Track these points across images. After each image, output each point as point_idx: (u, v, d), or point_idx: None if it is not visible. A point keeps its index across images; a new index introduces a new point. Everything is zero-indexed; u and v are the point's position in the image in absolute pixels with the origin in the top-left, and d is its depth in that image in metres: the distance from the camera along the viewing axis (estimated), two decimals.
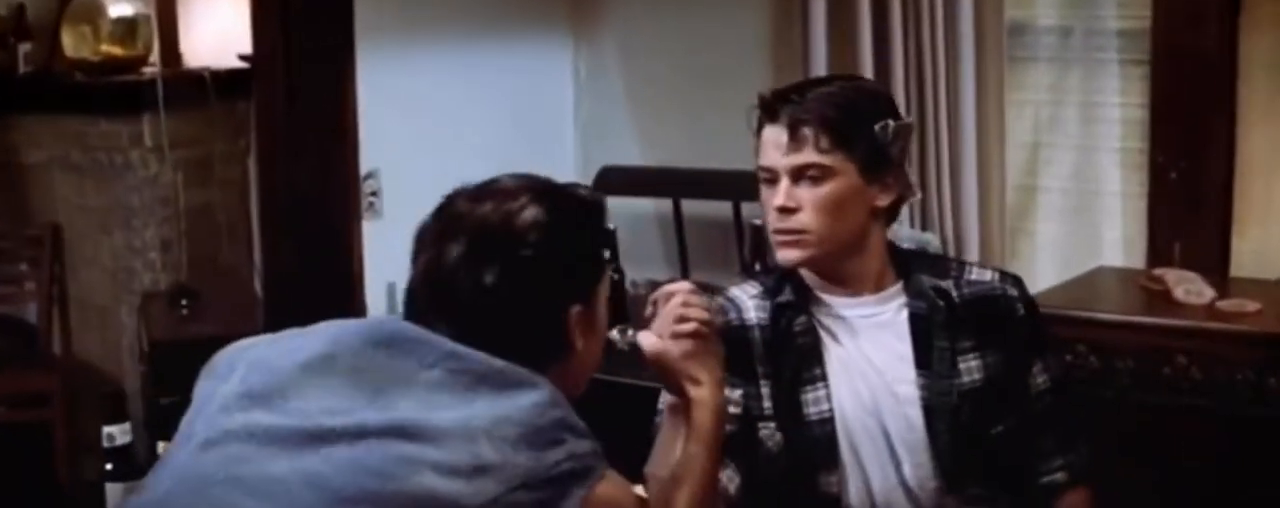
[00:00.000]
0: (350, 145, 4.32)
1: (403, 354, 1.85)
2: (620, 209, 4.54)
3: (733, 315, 2.41)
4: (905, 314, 2.43)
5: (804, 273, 2.44)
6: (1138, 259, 4.11)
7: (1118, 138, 4.24)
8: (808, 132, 2.34)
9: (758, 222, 3.93)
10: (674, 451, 2.11)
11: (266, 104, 4.41)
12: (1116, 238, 4.26)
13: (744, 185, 4.47)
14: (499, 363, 1.85)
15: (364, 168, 4.42)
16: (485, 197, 1.95)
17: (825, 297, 2.44)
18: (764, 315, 2.43)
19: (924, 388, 2.40)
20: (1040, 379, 2.49)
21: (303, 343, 1.89)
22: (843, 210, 2.36)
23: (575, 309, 1.93)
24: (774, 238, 2.40)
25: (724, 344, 2.19)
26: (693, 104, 4.76)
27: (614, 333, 3.68)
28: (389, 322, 1.95)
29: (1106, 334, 3.51)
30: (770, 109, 2.39)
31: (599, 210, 2.02)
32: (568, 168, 4.85)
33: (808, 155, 2.34)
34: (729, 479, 2.35)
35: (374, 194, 4.48)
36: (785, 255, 2.40)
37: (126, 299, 5.15)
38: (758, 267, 2.49)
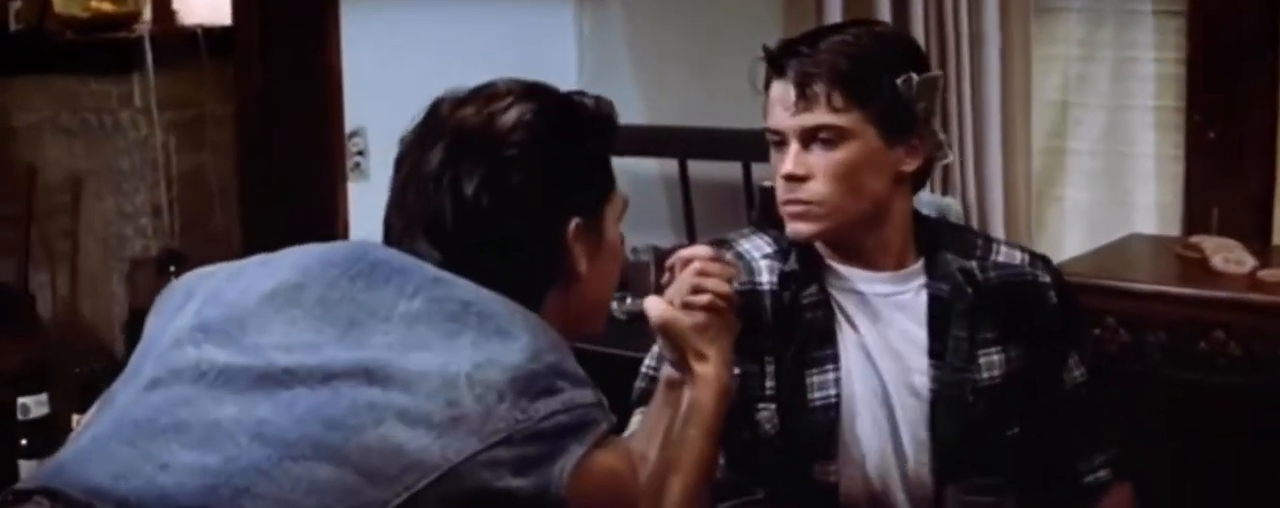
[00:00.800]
0: (334, 101, 4.18)
1: (380, 283, 1.67)
2: (623, 171, 4.43)
3: (743, 277, 2.20)
4: (924, 297, 2.24)
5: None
6: (1173, 226, 4.00)
7: (1152, 96, 4.11)
8: (819, 88, 2.13)
9: (767, 184, 3.81)
10: (662, 429, 1.97)
11: (245, 56, 4.29)
12: (1150, 203, 4.15)
13: (754, 145, 4.35)
14: (489, 294, 1.66)
15: (349, 126, 4.27)
16: (470, 100, 1.79)
17: (839, 267, 2.24)
18: (775, 279, 2.23)
19: (935, 380, 2.22)
20: (1076, 372, 2.31)
21: (267, 272, 1.71)
22: (860, 177, 2.16)
23: (574, 223, 1.76)
24: (783, 208, 2.20)
25: (737, 306, 2.03)
26: (700, 60, 4.62)
27: (612, 302, 3.48)
28: (369, 247, 1.74)
29: (1138, 306, 3.38)
30: (776, 62, 2.19)
31: (603, 118, 1.84)
32: None
33: (819, 115, 2.14)
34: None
35: (360, 154, 4.32)
36: (794, 229, 2.19)
37: (117, 266, 5.10)
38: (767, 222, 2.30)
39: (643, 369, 2.28)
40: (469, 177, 1.73)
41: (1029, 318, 2.27)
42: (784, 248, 2.25)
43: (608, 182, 1.84)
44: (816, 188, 2.16)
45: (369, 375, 1.59)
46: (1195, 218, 3.88)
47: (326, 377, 1.60)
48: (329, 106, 4.18)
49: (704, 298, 1.98)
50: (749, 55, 2.25)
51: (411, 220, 1.76)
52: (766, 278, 2.24)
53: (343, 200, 4.21)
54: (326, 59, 4.14)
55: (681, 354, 1.98)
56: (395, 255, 1.71)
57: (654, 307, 1.99)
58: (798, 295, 2.22)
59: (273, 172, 4.25)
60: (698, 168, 4.55)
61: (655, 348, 2.20)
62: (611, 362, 3.37)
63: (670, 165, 4.60)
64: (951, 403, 2.21)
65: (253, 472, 1.55)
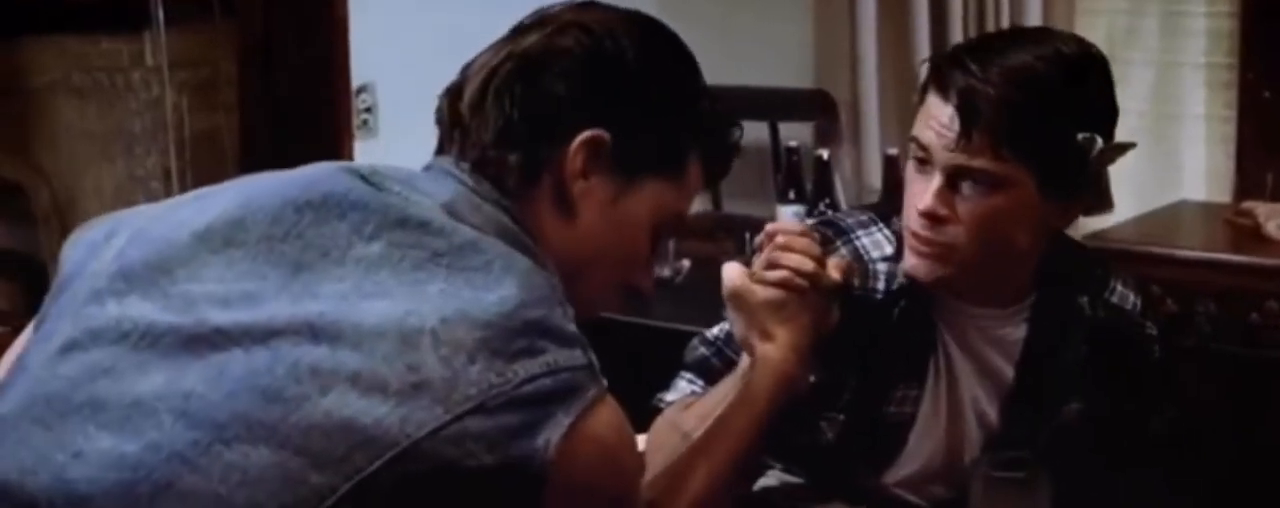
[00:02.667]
0: (340, 55, 4.06)
1: (332, 218, 1.47)
2: None
3: (855, 281, 2.01)
4: (1023, 332, 2.07)
5: None
6: (1224, 192, 3.97)
7: (1203, 52, 4.07)
8: (984, 127, 1.89)
9: (793, 143, 3.69)
10: (715, 402, 1.84)
11: (246, 6, 4.20)
12: (1200, 167, 4.09)
13: (782, 104, 4.34)
14: (466, 233, 1.47)
15: (356, 81, 4.16)
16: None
17: (948, 291, 2.07)
18: (888, 286, 2.05)
19: (1011, 420, 2.08)
20: (1155, 430, 2.18)
21: (202, 205, 1.51)
22: (1005, 229, 1.96)
23: (590, 132, 1.56)
24: (910, 241, 1.98)
25: (841, 309, 1.89)
26: (726, 15, 4.48)
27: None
28: (323, 175, 1.53)
29: (1187, 274, 3.35)
30: (939, 75, 1.95)
31: (671, 70, 1.65)
32: None
33: (978, 159, 1.91)
34: None
35: (368, 110, 4.22)
36: (917, 268, 1.99)
37: None
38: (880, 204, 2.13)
39: (709, 334, 2.12)
40: (506, 74, 1.57)
41: (1125, 367, 2.13)
42: (902, 249, 2.06)
43: (669, 153, 1.64)
44: (956, 234, 1.95)
45: (314, 332, 1.39)
46: (1248, 183, 3.83)
47: (266, 336, 1.40)
48: (335, 60, 4.07)
49: (778, 274, 1.84)
50: (777, 11, 2.07)
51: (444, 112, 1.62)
52: (882, 285, 2.06)
53: (349, 158, 4.08)
54: (333, 10, 4.04)
55: (748, 330, 1.86)
56: (354, 187, 1.50)
57: (730, 273, 1.88)
58: (905, 312, 2.06)
59: (275, 128, 4.17)
60: None
61: (728, 321, 2.06)
62: (629, 329, 3.26)
63: None
64: (1020, 443, 2.07)
65: (176, 462, 1.36)
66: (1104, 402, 2.12)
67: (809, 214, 3.52)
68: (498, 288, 1.43)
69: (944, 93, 1.92)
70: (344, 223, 1.47)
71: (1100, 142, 1.93)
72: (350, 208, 1.48)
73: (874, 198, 3.79)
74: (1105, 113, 1.98)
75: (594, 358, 1.45)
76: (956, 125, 1.90)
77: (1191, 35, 4.06)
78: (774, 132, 4.17)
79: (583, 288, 1.60)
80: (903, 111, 4.13)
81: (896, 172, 3.53)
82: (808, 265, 1.85)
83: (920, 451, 2.10)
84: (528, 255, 1.51)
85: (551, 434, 1.38)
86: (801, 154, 3.64)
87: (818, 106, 4.22)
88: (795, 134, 3.99)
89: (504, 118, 1.57)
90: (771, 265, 1.85)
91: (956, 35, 4.05)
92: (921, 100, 1.99)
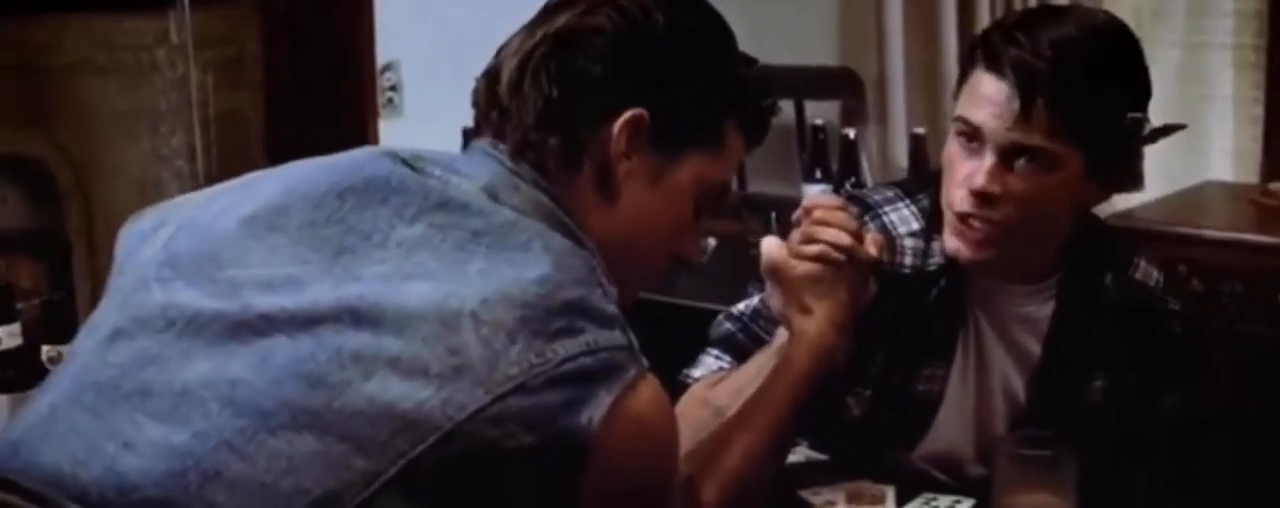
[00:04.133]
0: (365, 33, 4.06)
1: (375, 202, 1.48)
2: None
3: (883, 256, 1.99)
4: (1050, 309, 2.07)
5: None
6: (1251, 172, 3.99)
7: (1230, 33, 4.07)
8: (1042, 106, 1.88)
9: (819, 122, 3.68)
10: (749, 378, 1.85)
11: None
12: (1227, 147, 4.11)
13: (808, 82, 4.33)
14: (506, 214, 1.48)
15: (381, 59, 4.17)
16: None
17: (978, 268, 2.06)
18: (917, 262, 2.05)
19: (1038, 398, 2.08)
20: (1170, 404, 2.15)
21: (248, 192, 1.53)
22: (1050, 207, 1.96)
23: (632, 112, 1.56)
24: (953, 222, 1.97)
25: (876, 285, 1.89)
26: None
27: None
28: (366, 160, 1.55)
29: (1213, 254, 3.35)
30: (992, 51, 1.93)
31: (706, 40, 1.64)
32: None
33: (1036, 136, 1.90)
34: None
35: (393, 89, 4.22)
36: (959, 251, 1.98)
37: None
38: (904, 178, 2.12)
39: (735, 310, 2.12)
40: (541, 56, 1.57)
41: (1145, 343, 2.12)
42: (929, 225, 2.06)
43: (707, 126, 1.63)
44: (1008, 212, 1.94)
45: (356, 317, 1.40)
46: (1274, 163, 3.89)
47: (309, 322, 1.41)
48: (360, 39, 4.06)
49: (816, 248, 1.84)
50: None
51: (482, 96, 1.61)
52: (908, 260, 2.06)
53: (374, 139, 4.09)
54: None
55: (785, 304, 1.86)
56: (396, 171, 1.52)
57: (769, 247, 1.89)
58: (933, 287, 2.06)
59: (300, 107, 4.15)
60: None
61: (755, 296, 2.07)
62: (654, 307, 3.25)
63: None
64: (1047, 422, 2.04)
65: (224, 450, 1.37)
66: (1129, 379, 2.11)
67: (835, 193, 3.51)
68: (537, 267, 1.43)
69: (998, 69, 1.90)
70: (386, 207, 1.48)
71: (1149, 123, 1.94)
72: (392, 192, 1.49)
73: (901, 176, 3.77)
74: (1146, 89, 1.98)
75: (634, 338, 1.46)
76: (1015, 103, 1.88)
77: (1219, 16, 4.05)
78: (800, 110, 4.16)
79: (631, 266, 1.61)
80: (929, 90, 4.12)
81: (923, 150, 3.53)
82: (845, 239, 1.85)
83: (948, 428, 2.10)
84: (568, 236, 1.52)
85: (593, 413, 1.39)
86: (827, 132, 3.63)
87: (844, 85, 4.21)
88: (821, 112, 3.98)
89: (542, 100, 1.57)
90: (809, 240, 1.85)
91: (983, 14, 4.03)
92: (964, 78, 1.97)
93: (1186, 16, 4.12)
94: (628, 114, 1.56)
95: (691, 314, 2.53)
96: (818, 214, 1.87)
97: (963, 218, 1.96)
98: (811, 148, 3.63)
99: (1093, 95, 1.90)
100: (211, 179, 4.94)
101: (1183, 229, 3.40)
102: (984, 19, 4.01)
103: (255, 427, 1.38)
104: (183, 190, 4.94)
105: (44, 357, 2.17)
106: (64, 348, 2.03)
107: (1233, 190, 3.85)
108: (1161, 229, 3.29)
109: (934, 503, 1.98)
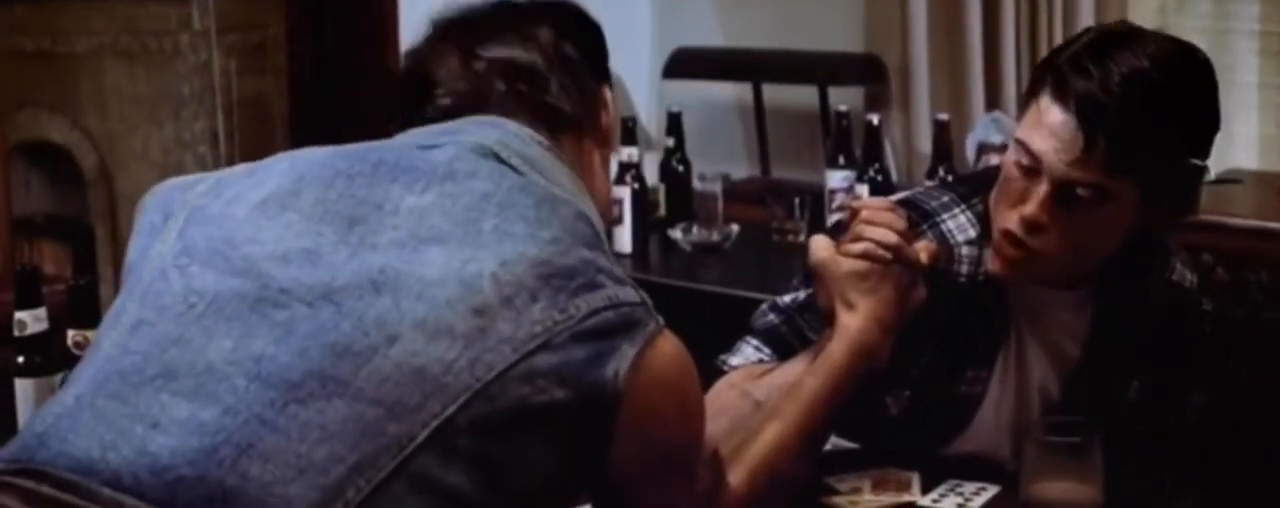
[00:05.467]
0: (389, 18, 4.07)
1: (385, 180, 1.50)
2: (694, 95, 4.44)
3: (940, 263, 1.98)
4: (1089, 313, 2.06)
5: None
6: (1276, 160, 3.94)
7: (1256, 19, 4.01)
8: (1103, 145, 1.84)
9: (843, 108, 3.67)
10: (792, 376, 1.84)
11: None
12: (1252, 135, 4.04)
13: (832, 69, 4.32)
14: (512, 176, 1.51)
15: (405, 44, 4.03)
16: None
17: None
18: (972, 269, 2.03)
19: (1073, 399, 2.07)
20: (1196, 401, 2.16)
21: (256, 180, 1.55)
22: (1099, 235, 1.95)
23: (604, 87, 1.72)
24: (1001, 244, 1.96)
25: (927, 288, 1.89)
26: None
27: (676, 232, 3.39)
28: (377, 146, 1.58)
29: (1238, 243, 3.28)
30: (1060, 81, 1.88)
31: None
32: (641, 49, 4.58)
33: (1093, 175, 1.86)
34: None
35: None
36: (1000, 270, 1.97)
37: None
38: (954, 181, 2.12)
39: (781, 302, 2.09)
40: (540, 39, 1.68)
41: (1177, 344, 2.11)
42: (985, 231, 2.03)
43: (605, 72, 1.76)
44: (1052, 243, 1.92)
45: (376, 285, 1.42)
46: None
47: (328, 292, 1.43)
48: (384, 23, 4.06)
49: (862, 246, 1.83)
50: None
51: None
52: (965, 269, 2.04)
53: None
54: None
55: (831, 301, 1.85)
56: (403, 154, 1.54)
57: (817, 244, 1.89)
58: (983, 295, 2.04)
59: (324, 92, 4.14)
60: (772, 93, 4.42)
61: (801, 291, 2.05)
62: (678, 294, 3.26)
63: (744, 90, 4.47)
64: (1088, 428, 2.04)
65: (255, 424, 1.38)
66: (1163, 379, 2.11)
67: (859, 179, 3.50)
68: (549, 227, 1.47)
69: (1062, 100, 1.87)
70: (396, 184, 1.50)
71: (1211, 171, 1.93)
72: (401, 171, 1.51)
73: (924, 163, 3.75)
74: (1214, 125, 1.95)
75: (649, 300, 1.50)
76: (1080, 140, 1.85)
77: (1246, 3, 4.00)
78: (824, 96, 4.15)
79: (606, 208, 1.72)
80: (953, 77, 4.10)
81: (946, 136, 3.51)
82: (891, 239, 1.83)
83: (984, 428, 2.09)
84: (576, 194, 1.56)
85: (619, 365, 1.43)
86: (851, 119, 3.62)
87: (868, 71, 4.20)
88: (845, 99, 3.97)
89: (554, 76, 1.65)
90: (856, 239, 1.84)
91: (1008, 2, 4.01)
92: (1029, 102, 1.93)
93: (1213, 2, 4.07)
94: (605, 85, 1.70)
95: (715, 300, 2.54)
96: (866, 214, 1.86)
97: (1009, 238, 1.95)
98: (835, 134, 3.62)
99: (1157, 133, 1.87)
100: (234, 165, 4.95)
101: (1207, 217, 3.20)
102: (1008, 6, 3.99)
103: (285, 399, 1.38)
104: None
105: (69, 342, 2.15)
106: (89, 333, 2.02)
107: (1258, 178, 3.77)
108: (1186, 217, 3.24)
109: (959, 489, 1.97)
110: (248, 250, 1.47)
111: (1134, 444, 2.07)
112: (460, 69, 1.66)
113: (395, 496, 1.37)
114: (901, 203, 2.03)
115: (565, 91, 1.65)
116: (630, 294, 1.48)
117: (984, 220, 2.02)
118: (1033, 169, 1.90)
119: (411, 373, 1.38)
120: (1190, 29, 4.03)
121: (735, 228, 3.61)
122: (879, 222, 1.84)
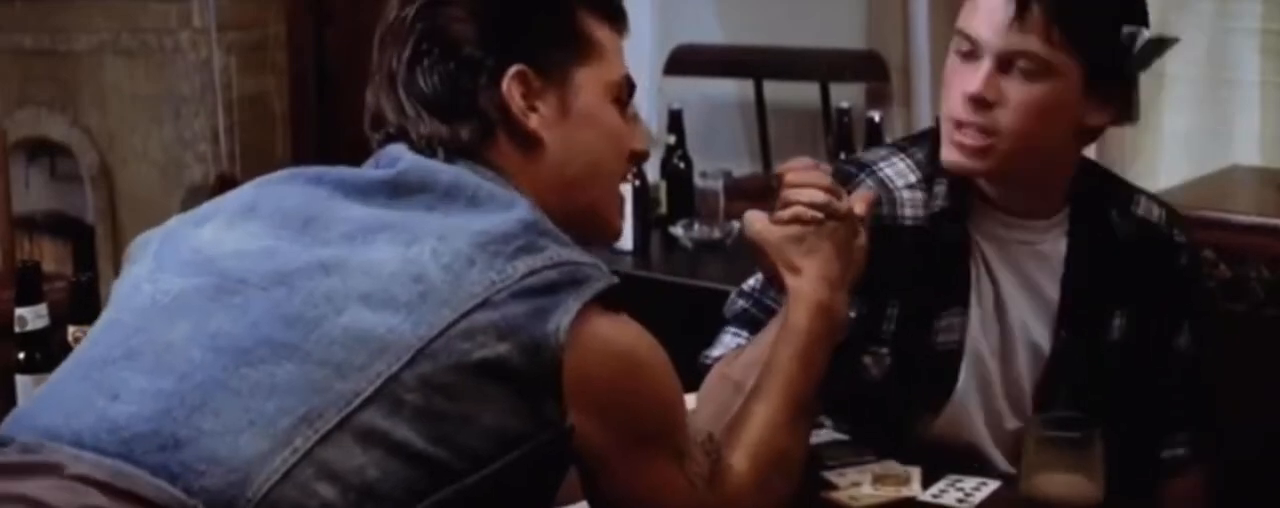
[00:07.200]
0: None
1: (338, 194, 1.59)
2: (695, 92, 4.44)
3: (883, 209, 2.03)
4: (1063, 248, 2.07)
5: None
6: (1278, 157, 3.90)
7: (1258, 17, 3.97)
8: (1037, 11, 1.91)
9: (845, 105, 3.67)
10: (760, 349, 1.85)
11: None
12: (1254, 132, 4.01)
13: (834, 65, 4.32)
14: (446, 182, 1.58)
15: None
16: None
17: (986, 208, 2.07)
18: (919, 213, 2.05)
19: (1060, 343, 2.08)
20: (1183, 342, 2.15)
21: (217, 206, 1.65)
22: (1047, 121, 1.97)
23: (515, 68, 1.63)
24: (951, 133, 1.98)
25: (872, 239, 1.90)
26: None
27: (677, 229, 3.40)
28: (323, 170, 1.65)
29: (1239, 239, 3.18)
30: None
31: None
32: (642, 46, 4.55)
33: (1030, 42, 1.93)
34: None
35: None
36: (960, 161, 1.99)
37: (176, 194, 5.03)
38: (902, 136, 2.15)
39: (745, 286, 2.13)
40: (418, 38, 1.66)
41: (1154, 278, 2.13)
42: (928, 175, 2.07)
43: (571, 40, 1.69)
44: (1003, 119, 1.96)
45: (325, 268, 1.51)
46: None
47: (281, 277, 1.52)
48: None
49: (790, 211, 1.85)
50: None
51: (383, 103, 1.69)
52: (908, 212, 2.06)
53: None
54: None
55: (775, 269, 1.87)
56: (350, 174, 1.62)
57: (750, 218, 1.90)
58: (940, 233, 2.06)
59: (324, 91, 4.14)
60: (774, 89, 4.42)
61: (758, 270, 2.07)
62: (679, 291, 3.26)
63: (746, 87, 4.47)
64: (1069, 368, 2.07)
65: (208, 385, 1.47)
66: (1145, 315, 2.12)
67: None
68: (491, 214, 1.53)
69: None
70: (348, 199, 1.58)
71: (1145, 34, 1.96)
72: (353, 191, 1.59)
73: None
74: (1144, 7, 2.01)
75: (603, 264, 1.54)
76: (1011, 8, 1.92)
77: (1247, 1, 3.97)
78: (825, 93, 4.15)
79: (592, 191, 1.70)
80: None
81: (850, 125, 3.52)
82: (819, 197, 1.85)
83: (971, 384, 2.09)
84: (516, 200, 1.59)
85: (561, 319, 1.48)
86: (853, 116, 3.62)
87: (869, 68, 4.20)
88: (846, 96, 3.97)
89: (435, 95, 1.64)
90: (785, 204, 1.86)
91: None
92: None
93: (1213, 1, 4.05)
94: (510, 71, 1.63)
95: (718, 297, 2.53)
96: (790, 177, 1.87)
97: (959, 126, 1.97)
98: (837, 131, 3.63)
99: (1094, 6, 1.94)
100: (234, 161, 4.96)
101: (1209, 213, 3.21)
102: None
103: (237, 362, 1.47)
104: (205, 174, 4.99)
105: (70, 338, 2.18)
106: (89, 329, 2.04)
107: (1259, 175, 3.77)
108: (1187, 213, 3.05)
109: (960, 484, 1.98)
110: (210, 253, 1.57)
111: (1126, 388, 2.09)
112: (393, 102, 1.69)
113: (343, 446, 1.43)
114: (844, 160, 2.08)
115: (456, 111, 1.64)
116: (579, 256, 1.53)
117: (925, 166, 2.05)
118: (972, 53, 1.96)
119: (357, 336, 1.46)
120: (1191, 27, 4.01)
121: (736, 225, 3.61)
122: (804, 182, 1.86)
